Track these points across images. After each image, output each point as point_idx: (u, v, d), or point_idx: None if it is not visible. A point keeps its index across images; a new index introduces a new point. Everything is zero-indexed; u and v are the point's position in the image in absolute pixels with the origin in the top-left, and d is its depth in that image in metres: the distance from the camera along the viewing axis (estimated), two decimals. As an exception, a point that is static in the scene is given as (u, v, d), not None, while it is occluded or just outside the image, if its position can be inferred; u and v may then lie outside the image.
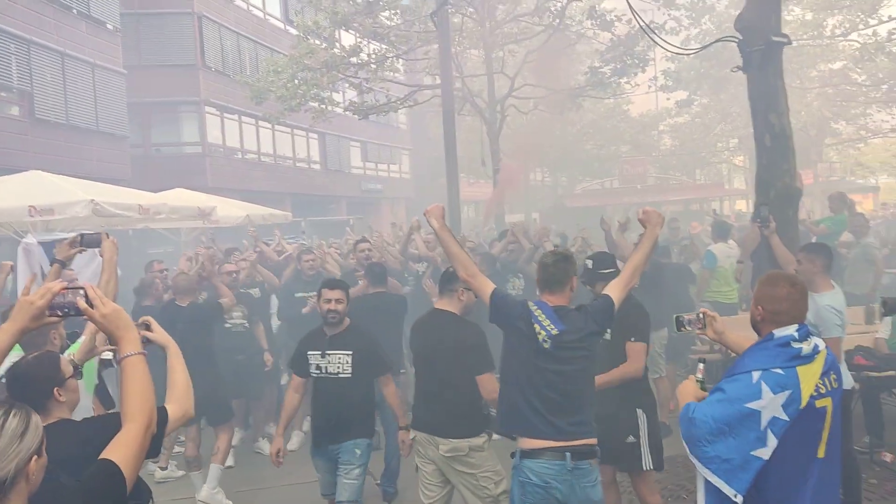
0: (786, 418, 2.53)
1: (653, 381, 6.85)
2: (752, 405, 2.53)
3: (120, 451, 1.93)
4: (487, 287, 3.65)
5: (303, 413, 7.32)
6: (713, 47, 10.76)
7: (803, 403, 2.56)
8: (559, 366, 3.52)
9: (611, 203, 25.53)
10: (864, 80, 22.87)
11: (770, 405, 2.53)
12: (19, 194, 9.20)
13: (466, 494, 4.23)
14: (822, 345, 2.74)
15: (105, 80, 18.86)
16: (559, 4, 14.28)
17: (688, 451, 2.64)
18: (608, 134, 29.92)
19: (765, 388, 2.54)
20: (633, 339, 4.42)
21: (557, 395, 3.52)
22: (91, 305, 2.08)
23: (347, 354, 4.69)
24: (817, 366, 2.65)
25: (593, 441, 3.61)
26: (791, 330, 2.69)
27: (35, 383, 2.53)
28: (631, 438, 4.43)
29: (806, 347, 2.66)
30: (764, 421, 2.52)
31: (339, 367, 4.69)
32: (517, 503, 3.54)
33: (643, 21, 6.77)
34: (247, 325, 7.35)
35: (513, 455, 3.64)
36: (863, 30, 21.76)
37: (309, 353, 4.79)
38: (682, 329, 3.32)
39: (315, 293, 7.56)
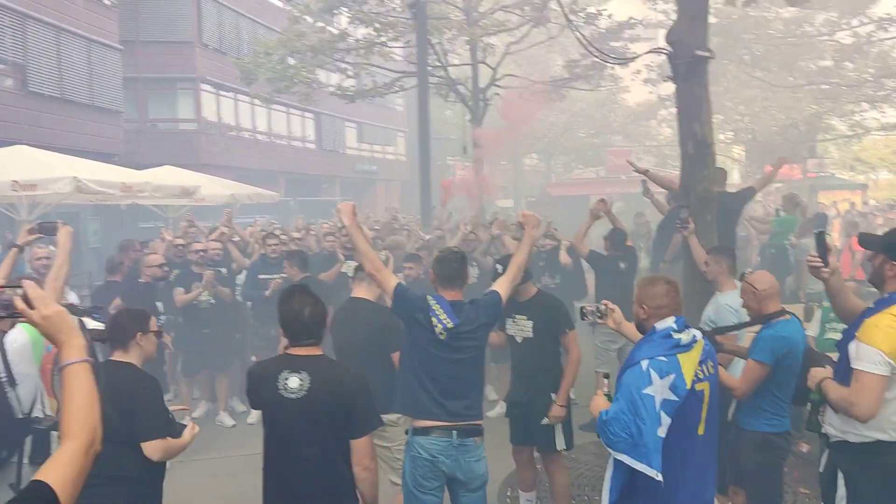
0: (675, 398, 2.91)
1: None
2: (646, 391, 2.91)
3: (57, 471, 1.67)
4: (391, 281, 4.06)
5: None
6: None
7: (688, 385, 2.95)
8: (453, 354, 3.95)
9: (595, 193, 25.56)
10: (853, 78, 23.07)
11: (659, 389, 2.91)
12: (4, 168, 9.49)
13: (382, 466, 4.68)
14: (699, 335, 3.13)
15: (101, 55, 19.14)
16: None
17: (611, 452, 2.96)
18: (598, 123, 30.01)
19: (653, 374, 2.93)
20: (566, 331, 4.83)
21: (449, 380, 3.95)
22: (30, 306, 1.86)
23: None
24: (695, 353, 3.05)
25: (479, 422, 4.04)
26: (669, 322, 3.08)
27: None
28: (546, 421, 4.85)
29: (685, 337, 3.04)
30: (657, 403, 2.90)
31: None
32: (408, 475, 4.00)
33: (590, 44, 7.06)
34: (212, 301, 7.80)
35: (407, 432, 4.08)
36: (846, 29, 21.95)
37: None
38: (585, 318, 3.71)
39: (277, 275, 8.07)
